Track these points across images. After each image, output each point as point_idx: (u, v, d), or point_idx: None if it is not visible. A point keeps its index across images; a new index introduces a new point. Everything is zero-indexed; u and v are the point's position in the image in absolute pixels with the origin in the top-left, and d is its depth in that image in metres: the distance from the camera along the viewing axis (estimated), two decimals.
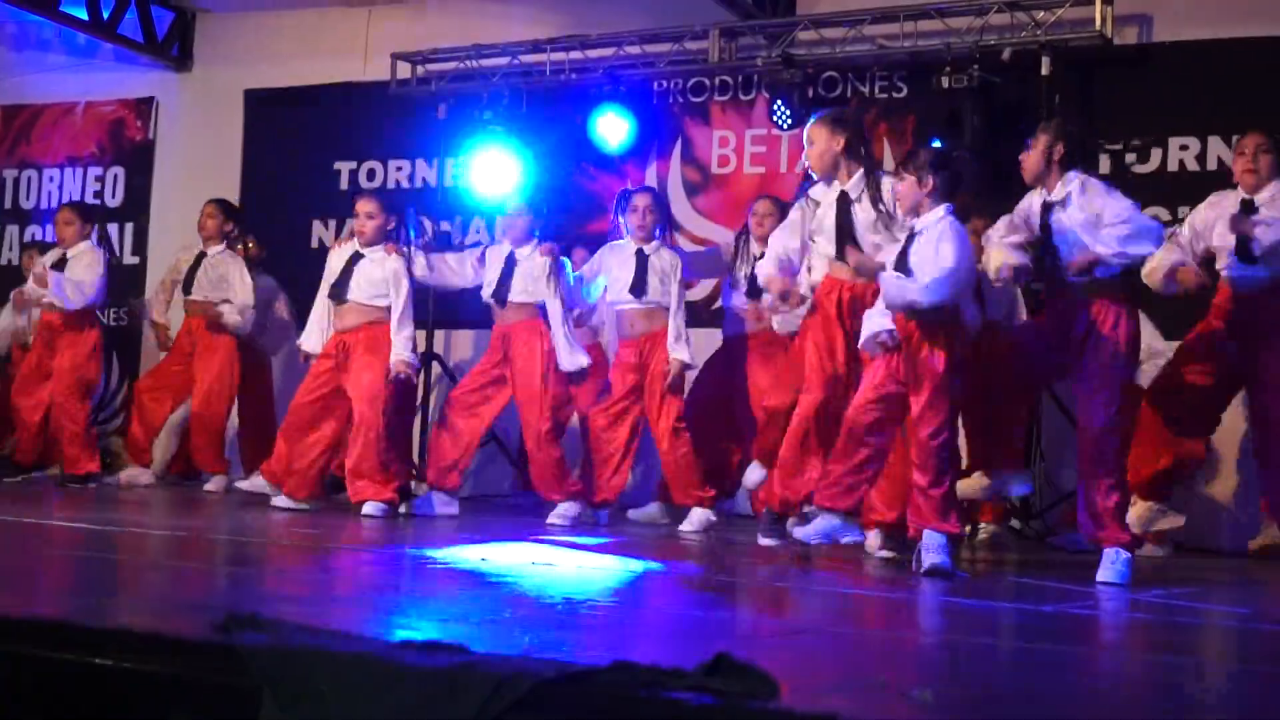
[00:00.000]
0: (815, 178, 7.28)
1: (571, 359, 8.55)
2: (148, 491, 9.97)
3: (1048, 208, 6.63)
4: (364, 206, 8.84)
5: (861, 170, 7.15)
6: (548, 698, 2.87)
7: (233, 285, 10.19)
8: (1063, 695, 3.41)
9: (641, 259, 8.67)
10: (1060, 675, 3.76)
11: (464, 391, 8.78)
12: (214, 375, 10.20)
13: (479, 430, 8.85)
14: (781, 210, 8.51)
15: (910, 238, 6.50)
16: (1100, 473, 6.34)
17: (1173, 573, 7.22)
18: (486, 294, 8.76)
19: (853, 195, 7.10)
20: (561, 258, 8.73)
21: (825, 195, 7.20)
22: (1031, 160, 6.73)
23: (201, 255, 10.37)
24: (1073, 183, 6.58)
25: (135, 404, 10.52)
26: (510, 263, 8.70)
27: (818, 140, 7.18)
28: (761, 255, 8.27)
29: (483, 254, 8.95)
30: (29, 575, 4.88)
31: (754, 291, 8.36)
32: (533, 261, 8.66)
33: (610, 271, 8.77)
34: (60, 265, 10.16)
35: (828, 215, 7.13)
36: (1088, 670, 3.93)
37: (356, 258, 8.72)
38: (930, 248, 6.39)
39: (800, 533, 6.74)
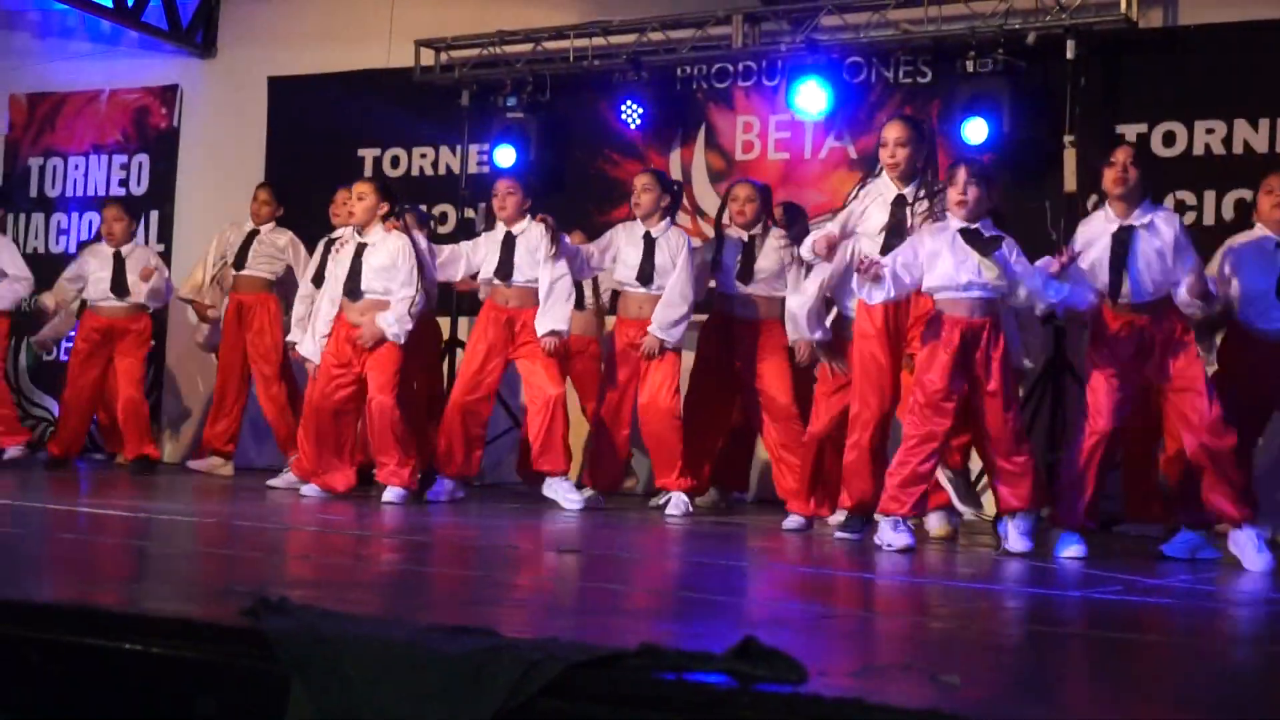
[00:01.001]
0: (883, 176, 7.26)
1: (552, 320, 8.55)
2: (206, 479, 10.06)
3: (1127, 230, 6.73)
4: (357, 188, 8.81)
5: (918, 179, 7.17)
6: (576, 681, 2.87)
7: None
8: (1099, 681, 3.41)
9: (650, 242, 8.69)
10: (1099, 662, 3.76)
11: (467, 381, 8.77)
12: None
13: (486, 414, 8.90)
14: (761, 195, 8.62)
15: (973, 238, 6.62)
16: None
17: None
18: (487, 273, 8.75)
19: (909, 199, 7.12)
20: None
21: (877, 195, 7.21)
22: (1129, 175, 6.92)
23: (254, 232, 10.41)
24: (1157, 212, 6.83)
25: (217, 396, 10.65)
26: (509, 241, 8.70)
27: (908, 143, 7.18)
28: (747, 240, 8.36)
29: (476, 243, 8.97)
30: (65, 562, 4.90)
31: (745, 275, 8.45)
32: (530, 236, 8.66)
33: (620, 251, 8.79)
34: (120, 264, 10.26)
35: (876, 215, 7.15)
36: (1120, 655, 3.93)
37: (361, 249, 8.69)
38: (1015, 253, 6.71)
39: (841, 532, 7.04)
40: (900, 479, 6.66)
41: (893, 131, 7.26)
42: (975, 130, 9.47)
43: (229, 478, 10.30)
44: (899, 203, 7.17)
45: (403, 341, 8.57)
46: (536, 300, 8.61)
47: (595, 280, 9.67)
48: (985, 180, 6.75)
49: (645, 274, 8.65)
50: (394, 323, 8.51)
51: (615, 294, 9.24)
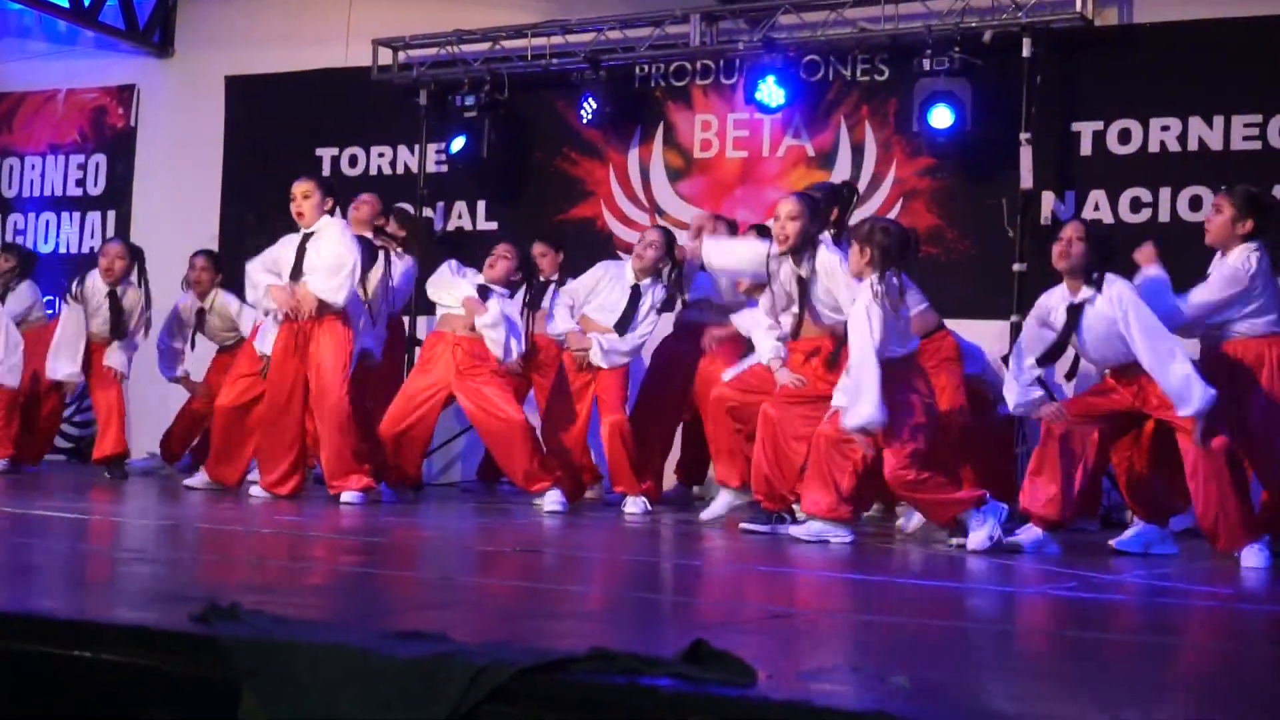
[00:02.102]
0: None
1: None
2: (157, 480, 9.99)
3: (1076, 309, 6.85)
4: (299, 188, 8.64)
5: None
6: (527, 685, 2.88)
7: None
8: (1051, 678, 3.43)
9: (636, 296, 8.73)
10: (1053, 658, 3.78)
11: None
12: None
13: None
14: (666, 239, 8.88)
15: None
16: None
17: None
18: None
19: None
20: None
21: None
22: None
23: (201, 311, 10.31)
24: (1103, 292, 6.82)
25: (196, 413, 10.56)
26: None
27: (799, 216, 7.33)
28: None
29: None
30: (13, 569, 4.88)
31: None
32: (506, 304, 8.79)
33: (601, 294, 8.81)
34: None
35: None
36: (1075, 653, 3.95)
37: (307, 238, 8.53)
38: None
39: (796, 531, 7.01)
40: None
41: (784, 206, 7.43)
42: (940, 118, 9.50)
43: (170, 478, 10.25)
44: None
45: (340, 304, 8.43)
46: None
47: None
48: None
49: (623, 323, 8.72)
50: (324, 287, 8.38)
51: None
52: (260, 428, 8.63)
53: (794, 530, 7.03)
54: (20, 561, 5.03)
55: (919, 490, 6.79)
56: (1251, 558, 6.54)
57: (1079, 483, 6.82)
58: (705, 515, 8.05)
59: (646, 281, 8.75)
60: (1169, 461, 6.89)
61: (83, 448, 11.61)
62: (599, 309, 8.76)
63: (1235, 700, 3.28)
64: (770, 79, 10.09)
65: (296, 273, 8.46)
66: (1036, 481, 6.85)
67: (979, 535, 6.67)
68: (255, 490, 8.56)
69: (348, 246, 8.41)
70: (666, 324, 9.15)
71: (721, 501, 8.11)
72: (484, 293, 8.65)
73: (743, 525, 7.33)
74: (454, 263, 8.93)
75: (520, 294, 8.91)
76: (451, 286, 8.76)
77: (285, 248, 8.56)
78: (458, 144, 10.89)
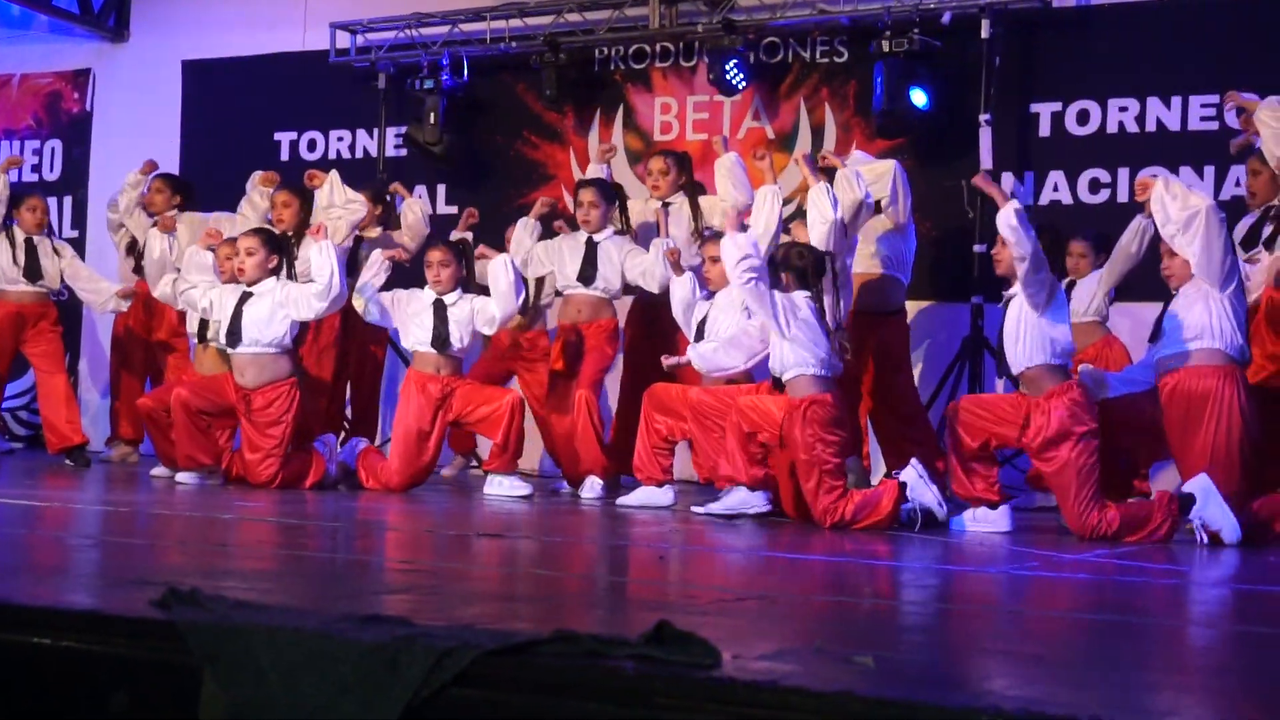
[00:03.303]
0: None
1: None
2: (115, 468, 9.93)
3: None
4: (243, 242, 8.54)
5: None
6: (490, 669, 2.87)
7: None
8: (1015, 658, 3.44)
9: (592, 247, 8.76)
10: (1017, 639, 3.79)
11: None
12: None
13: None
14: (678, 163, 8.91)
15: None
16: None
17: None
18: (420, 339, 8.62)
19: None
20: None
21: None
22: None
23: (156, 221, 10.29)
24: None
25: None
26: (441, 310, 8.54)
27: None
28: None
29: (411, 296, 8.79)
30: None
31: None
32: (460, 309, 8.54)
33: (561, 258, 8.88)
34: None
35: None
36: (1041, 631, 3.96)
37: (244, 298, 8.46)
38: None
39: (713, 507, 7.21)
40: None
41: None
42: (917, 97, 9.51)
43: (136, 465, 10.19)
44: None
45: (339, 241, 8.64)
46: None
47: (539, 281, 9.52)
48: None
49: (586, 276, 8.73)
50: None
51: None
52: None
53: (711, 507, 7.21)
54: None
55: (854, 523, 6.84)
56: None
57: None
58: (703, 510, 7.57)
59: (605, 234, 8.82)
60: None
61: (39, 435, 11.52)
62: (561, 275, 8.86)
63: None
64: (732, 65, 10.08)
65: (234, 332, 8.42)
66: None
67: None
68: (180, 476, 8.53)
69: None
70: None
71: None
72: (439, 306, 8.54)
73: (694, 508, 7.36)
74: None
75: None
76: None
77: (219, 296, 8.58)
78: (421, 132, 10.84)
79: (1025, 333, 6.78)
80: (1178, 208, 6.85)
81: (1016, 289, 6.82)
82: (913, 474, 6.90)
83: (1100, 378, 7.25)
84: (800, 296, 7.00)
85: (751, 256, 6.99)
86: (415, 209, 10.00)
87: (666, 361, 8.09)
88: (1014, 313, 6.85)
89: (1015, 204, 6.69)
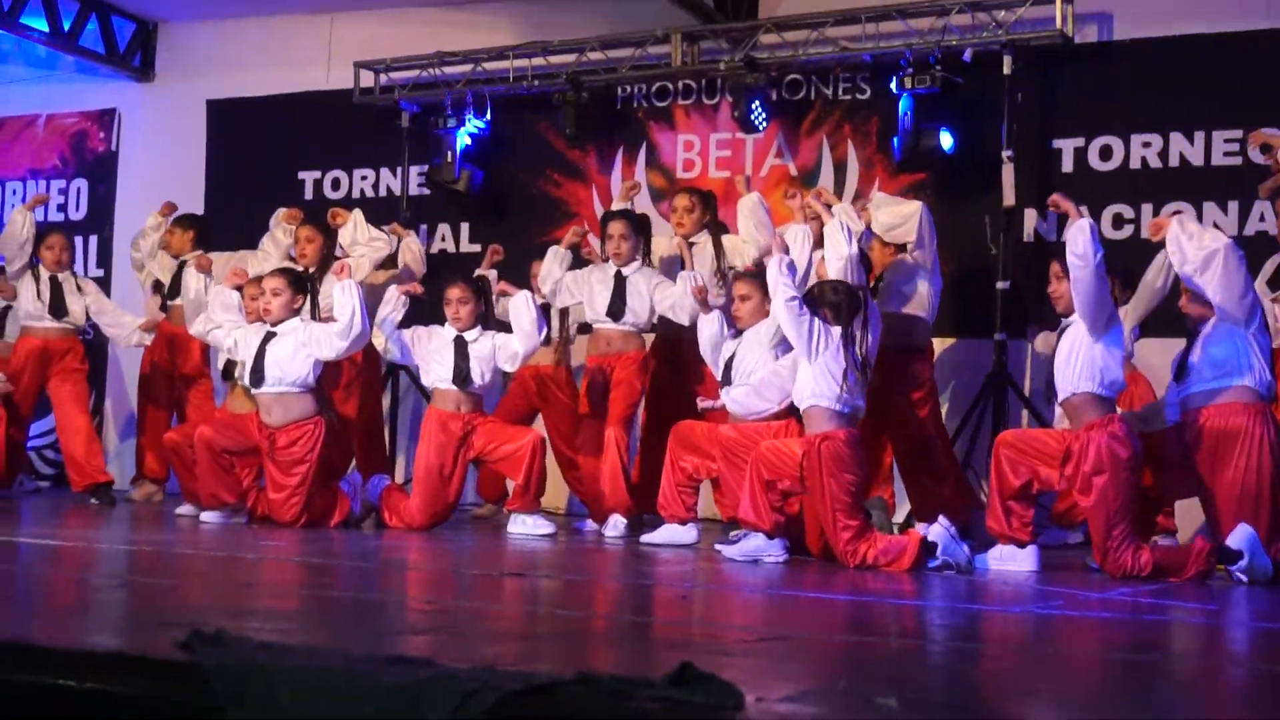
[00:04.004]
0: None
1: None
2: (141, 506, 9.94)
3: None
4: (268, 282, 8.60)
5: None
6: (513, 709, 2.86)
7: None
8: (1037, 697, 3.42)
9: (620, 281, 8.78)
10: (1039, 678, 3.77)
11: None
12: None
13: None
14: (703, 201, 9.00)
15: None
16: None
17: None
18: (442, 377, 8.61)
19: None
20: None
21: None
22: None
23: (183, 263, 10.31)
24: None
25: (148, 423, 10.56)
26: (462, 347, 8.56)
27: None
28: None
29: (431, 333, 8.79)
30: None
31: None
32: (480, 345, 8.56)
33: (590, 291, 8.90)
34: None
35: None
36: (1069, 671, 3.94)
37: (268, 338, 8.50)
38: None
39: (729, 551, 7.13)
40: None
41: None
42: (944, 139, 9.55)
43: (161, 503, 10.20)
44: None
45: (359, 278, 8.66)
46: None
47: (564, 313, 9.55)
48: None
49: (615, 310, 8.76)
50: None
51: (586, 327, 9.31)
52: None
53: (726, 550, 7.15)
54: (2, 589, 5.01)
55: (875, 566, 6.80)
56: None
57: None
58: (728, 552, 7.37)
59: (633, 266, 8.84)
60: None
61: (64, 474, 11.54)
62: (590, 308, 8.89)
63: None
64: (756, 105, 10.11)
65: (258, 371, 8.45)
66: None
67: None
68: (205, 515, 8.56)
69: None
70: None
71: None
72: (460, 344, 8.54)
73: (717, 545, 7.34)
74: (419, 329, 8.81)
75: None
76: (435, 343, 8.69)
77: (245, 337, 8.60)
78: (440, 171, 10.91)
79: (1077, 358, 6.74)
80: (1194, 247, 6.82)
81: (1074, 316, 6.80)
82: (942, 532, 6.79)
83: (1157, 408, 7.26)
84: (835, 332, 6.97)
85: (794, 281, 7.03)
86: (413, 248, 10.07)
87: (701, 405, 8.08)
88: (1069, 339, 6.82)
89: (1089, 220, 6.67)
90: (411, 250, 10.02)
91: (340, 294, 8.35)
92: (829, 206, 8.11)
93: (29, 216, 10.34)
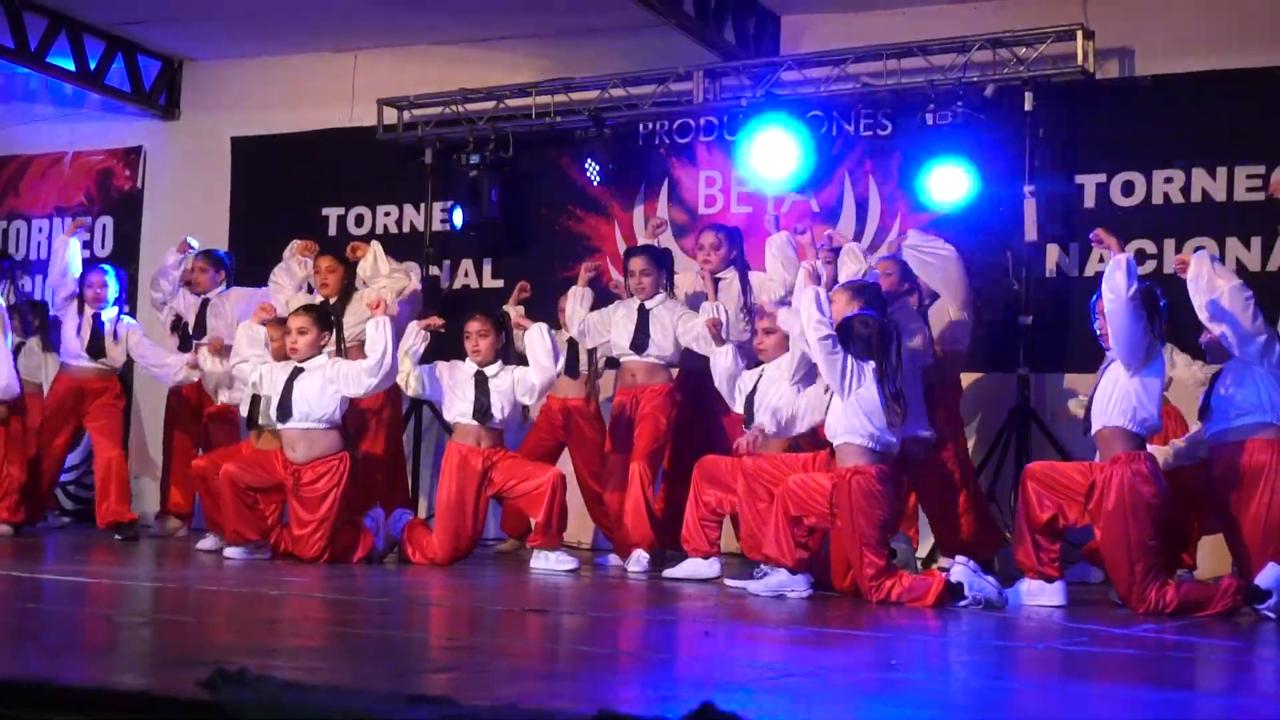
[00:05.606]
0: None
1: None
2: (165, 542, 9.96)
3: None
4: (294, 321, 8.64)
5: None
6: None
7: None
8: None
9: (644, 314, 8.82)
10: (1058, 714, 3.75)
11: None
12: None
13: None
14: (729, 237, 9.05)
15: None
16: None
17: None
18: (463, 412, 8.63)
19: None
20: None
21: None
22: None
23: (205, 300, 10.43)
24: None
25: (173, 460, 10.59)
26: (483, 382, 8.60)
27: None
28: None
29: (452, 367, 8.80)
30: (19, 633, 4.87)
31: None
32: (501, 380, 8.58)
33: (615, 325, 8.94)
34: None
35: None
36: (1095, 708, 3.93)
37: (296, 373, 8.54)
38: None
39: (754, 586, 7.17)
40: None
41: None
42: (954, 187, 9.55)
43: (185, 539, 10.21)
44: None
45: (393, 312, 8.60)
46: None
47: (592, 350, 9.57)
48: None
49: (639, 343, 8.79)
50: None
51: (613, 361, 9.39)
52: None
53: (751, 586, 7.15)
54: (25, 626, 5.03)
55: (899, 602, 6.77)
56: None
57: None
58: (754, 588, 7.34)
59: (656, 299, 8.88)
60: None
61: (89, 510, 11.58)
62: (615, 344, 8.95)
63: None
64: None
65: (285, 408, 8.48)
66: None
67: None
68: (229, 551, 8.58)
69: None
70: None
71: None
72: (481, 379, 8.56)
73: (746, 584, 7.31)
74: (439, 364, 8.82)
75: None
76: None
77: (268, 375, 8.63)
78: (459, 216, 10.94)
79: (1114, 392, 6.75)
80: (1203, 287, 6.88)
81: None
82: (965, 571, 6.75)
83: (1199, 440, 7.26)
84: (868, 368, 6.96)
85: (828, 318, 7.02)
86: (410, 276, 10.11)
87: (741, 449, 7.91)
88: (1111, 373, 6.82)
89: (1126, 255, 6.67)
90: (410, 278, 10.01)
91: (374, 330, 8.39)
92: (837, 248, 8.18)
93: (75, 243, 10.43)
